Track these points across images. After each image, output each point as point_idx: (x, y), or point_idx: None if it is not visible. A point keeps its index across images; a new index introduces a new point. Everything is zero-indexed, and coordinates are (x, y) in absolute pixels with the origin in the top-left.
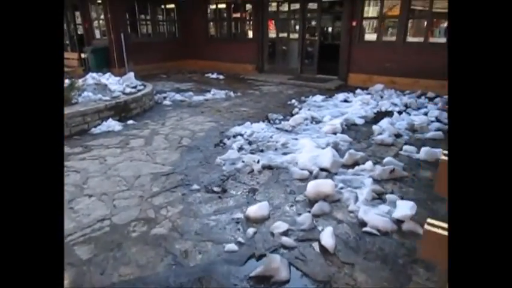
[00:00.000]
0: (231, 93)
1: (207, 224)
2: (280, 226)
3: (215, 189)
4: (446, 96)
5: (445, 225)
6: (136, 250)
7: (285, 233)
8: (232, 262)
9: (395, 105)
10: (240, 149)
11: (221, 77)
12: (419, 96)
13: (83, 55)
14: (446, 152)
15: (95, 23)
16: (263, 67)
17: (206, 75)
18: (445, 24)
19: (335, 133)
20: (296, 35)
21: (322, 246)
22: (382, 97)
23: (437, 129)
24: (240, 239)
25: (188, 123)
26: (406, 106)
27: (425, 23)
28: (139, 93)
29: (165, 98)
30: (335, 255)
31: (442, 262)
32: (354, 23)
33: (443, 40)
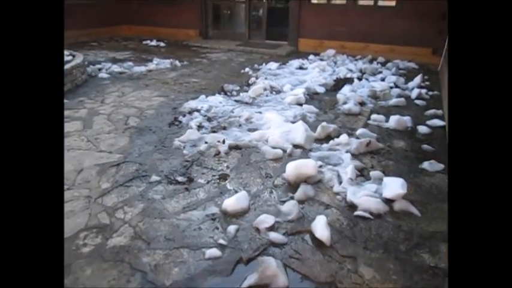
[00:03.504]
0: (177, 62)
1: (177, 225)
2: (265, 220)
3: (179, 179)
4: (397, 61)
5: None
6: (92, 271)
7: (272, 228)
8: (217, 272)
9: (351, 71)
10: (200, 127)
11: (162, 44)
12: (370, 61)
13: None
14: None
15: None
16: (207, 33)
17: (144, 42)
18: None
19: (300, 104)
20: None
21: (316, 239)
22: (335, 63)
23: (399, 96)
24: (221, 241)
25: (133, 99)
26: (362, 72)
27: None
28: (68, 66)
29: (100, 69)
30: (332, 248)
31: None
32: None
33: (392, 3)
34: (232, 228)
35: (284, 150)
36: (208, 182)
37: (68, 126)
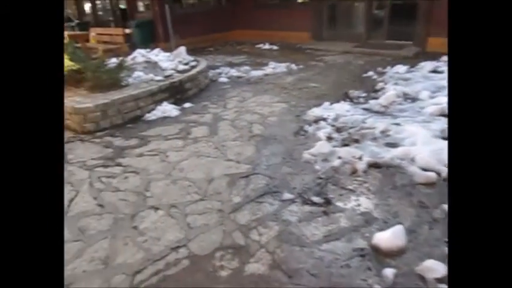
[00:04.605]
0: (293, 66)
1: (320, 257)
2: (433, 267)
3: (315, 199)
4: None
5: None
6: None
7: (443, 279)
8: None
9: None
10: (329, 138)
11: (274, 47)
12: None
13: (127, 30)
14: None
15: None
16: (321, 34)
17: (257, 46)
18: None
19: (445, 115)
20: None
21: None
22: None
23: None
24: (377, 287)
25: (253, 104)
26: None
27: None
28: (194, 71)
29: (219, 74)
30: None
31: None
32: None
33: None
34: (389, 272)
35: (438, 174)
36: (349, 207)
37: (195, 131)
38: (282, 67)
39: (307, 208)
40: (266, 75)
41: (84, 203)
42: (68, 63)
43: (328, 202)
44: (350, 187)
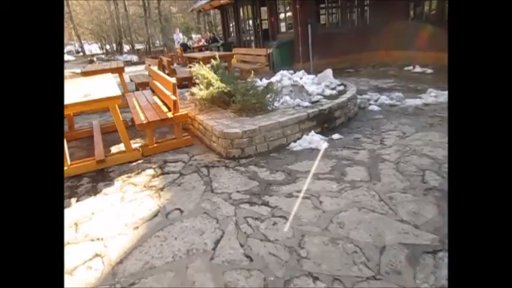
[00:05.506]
0: None
1: None
2: None
3: None
4: None
5: None
6: None
7: None
8: None
9: None
10: None
11: (428, 70)
12: None
13: (268, 50)
14: None
15: (281, 16)
16: None
17: (406, 68)
18: None
19: None
20: None
21: None
22: None
23: None
24: None
25: (419, 143)
26: None
27: None
28: (344, 97)
29: (368, 100)
30: None
31: None
32: None
33: None
34: None
35: None
36: None
37: (351, 173)
38: (445, 96)
39: None
40: (426, 104)
41: (231, 249)
42: (219, 84)
43: None
44: None
